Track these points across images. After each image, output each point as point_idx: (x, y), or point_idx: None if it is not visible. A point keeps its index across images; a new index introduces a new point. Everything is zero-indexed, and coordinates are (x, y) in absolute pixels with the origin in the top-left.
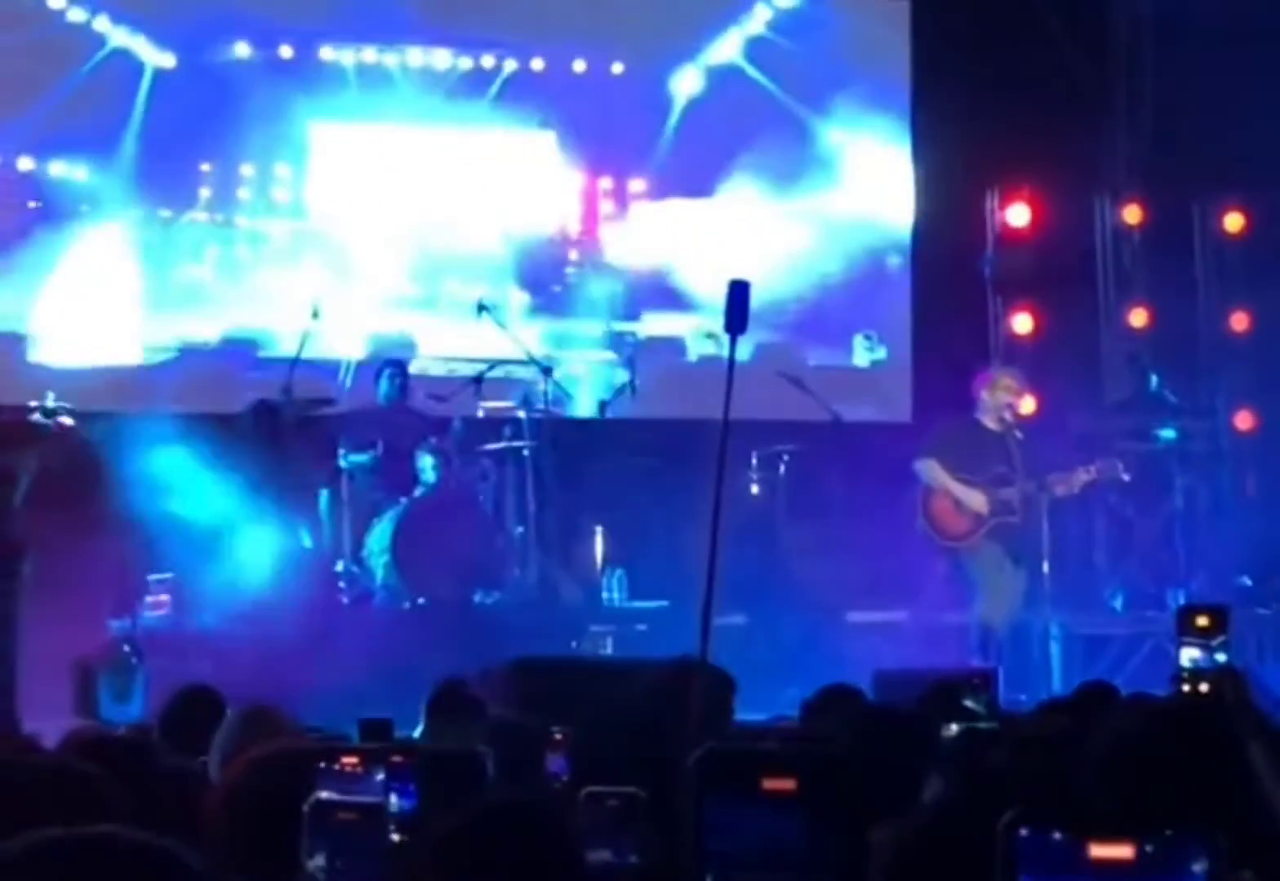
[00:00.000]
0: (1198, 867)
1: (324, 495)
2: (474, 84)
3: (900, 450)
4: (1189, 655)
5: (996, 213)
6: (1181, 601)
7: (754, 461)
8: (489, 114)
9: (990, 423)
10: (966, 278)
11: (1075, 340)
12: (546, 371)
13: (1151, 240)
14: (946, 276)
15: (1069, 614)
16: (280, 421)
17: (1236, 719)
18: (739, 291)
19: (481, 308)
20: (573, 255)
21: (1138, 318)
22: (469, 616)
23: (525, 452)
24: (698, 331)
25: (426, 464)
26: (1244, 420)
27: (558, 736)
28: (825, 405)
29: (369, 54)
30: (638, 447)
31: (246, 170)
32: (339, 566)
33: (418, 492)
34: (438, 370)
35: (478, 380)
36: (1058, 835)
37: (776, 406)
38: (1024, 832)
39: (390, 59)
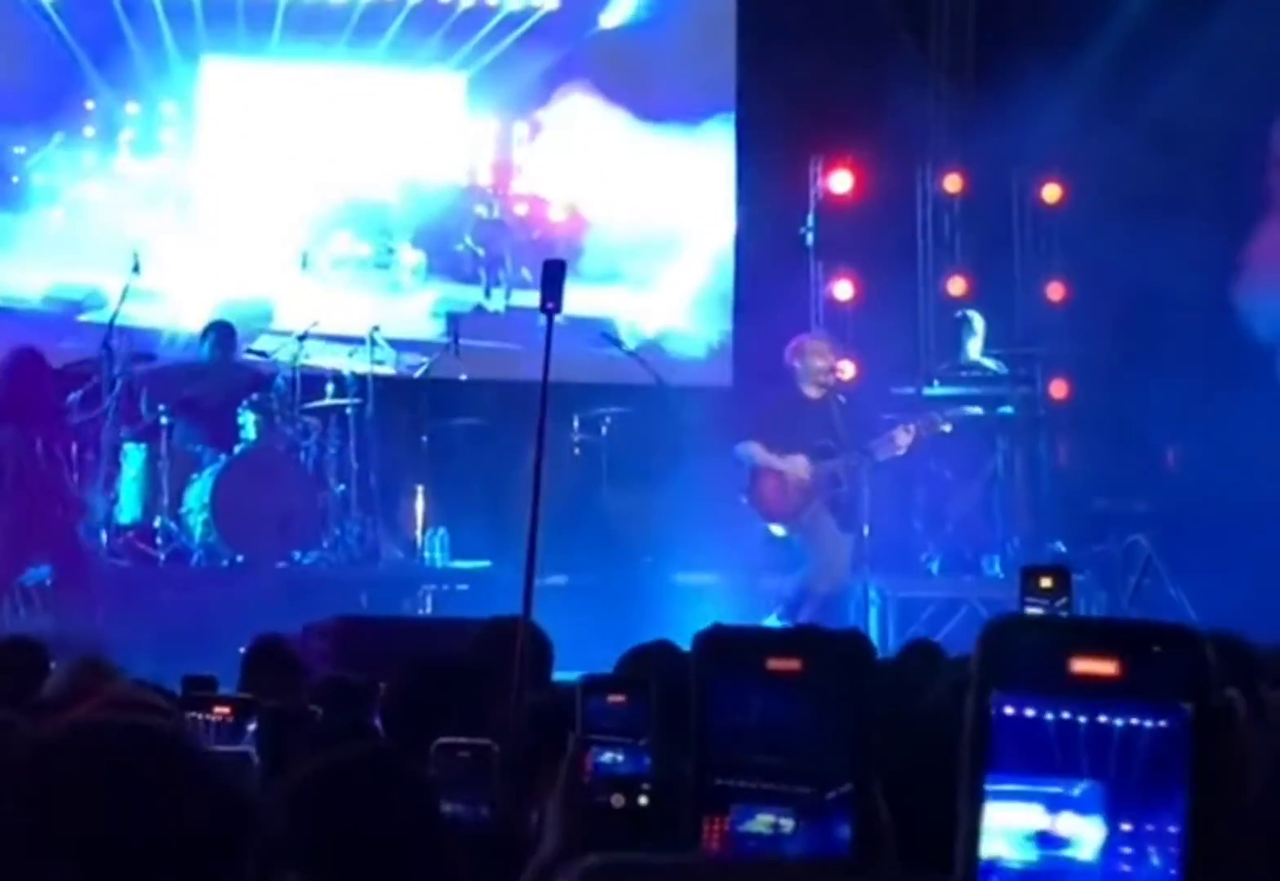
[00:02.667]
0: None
1: (142, 451)
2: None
3: (720, 413)
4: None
5: (819, 179)
6: (997, 567)
7: (576, 424)
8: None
9: (810, 391)
10: (789, 244)
11: (895, 307)
12: (372, 330)
13: (971, 209)
14: (769, 242)
15: (886, 577)
16: None
17: None
18: (554, 270)
19: (305, 262)
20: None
21: (956, 286)
22: (289, 575)
23: (348, 411)
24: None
25: (248, 420)
26: (1059, 389)
27: (384, 693)
28: (648, 368)
29: None
30: (461, 408)
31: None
32: (156, 523)
33: (238, 449)
34: (285, 355)
35: (302, 337)
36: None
37: (599, 369)
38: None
39: None
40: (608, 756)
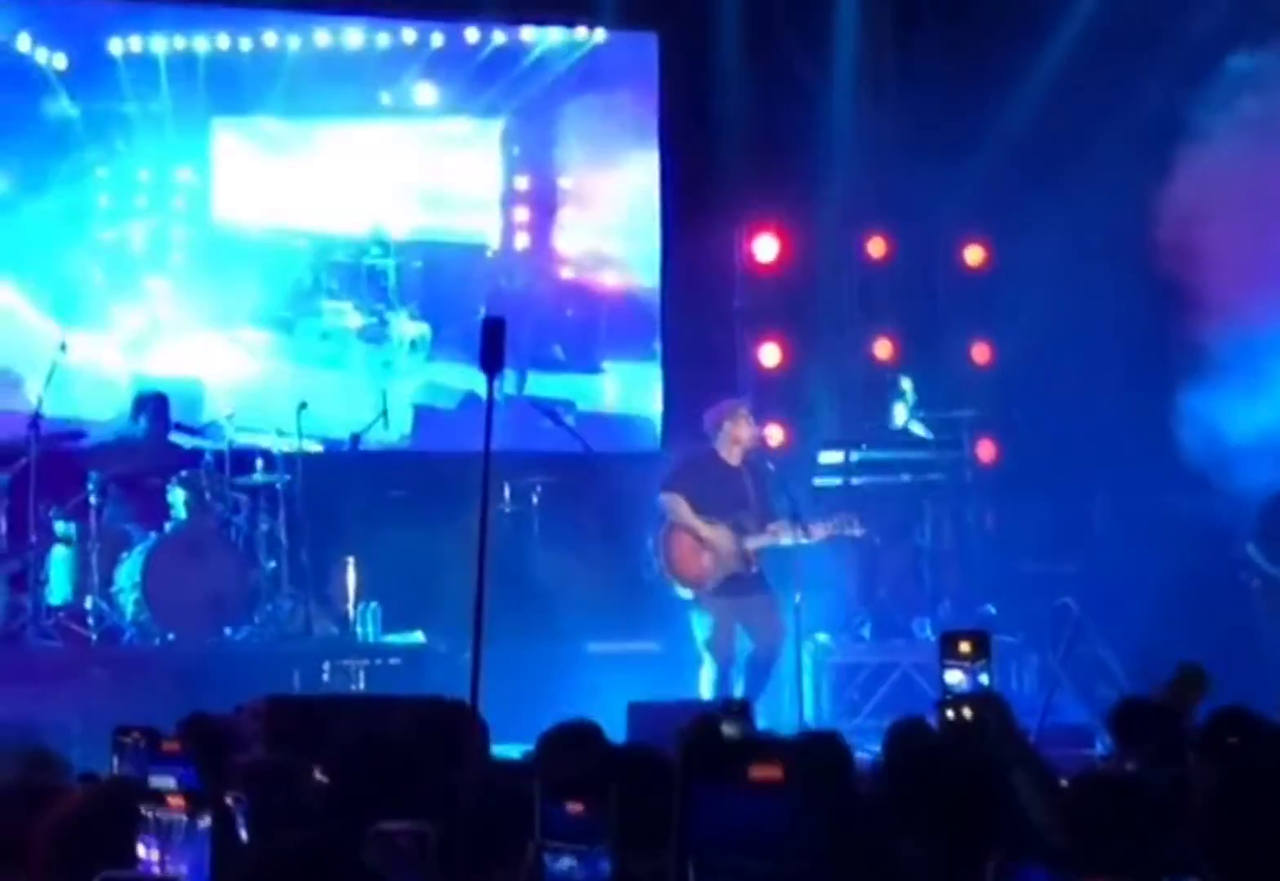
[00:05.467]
0: None
1: (72, 529)
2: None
3: (651, 480)
4: (952, 680)
5: (744, 245)
6: (928, 630)
7: (507, 493)
8: (415, 100)
9: (729, 454)
10: (715, 310)
11: (822, 372)
12: (300, 404)
13: (896, 273)
14: (696, 309)
15: (819, 643)
16: None
17: (1000, 743)
18: (493, 329)
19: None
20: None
21: (883, 349)
22: (220, 652)
23: (278, 486)
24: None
25: (178, 498)
26: (986, 451)
27: (319, 775)
28: (577, 436)
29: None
30: (390, 480)
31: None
32: (87, 602)
33: (168, 527)
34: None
35: (231, 413)
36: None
37: (529, 437)
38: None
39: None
40: (564, 863)
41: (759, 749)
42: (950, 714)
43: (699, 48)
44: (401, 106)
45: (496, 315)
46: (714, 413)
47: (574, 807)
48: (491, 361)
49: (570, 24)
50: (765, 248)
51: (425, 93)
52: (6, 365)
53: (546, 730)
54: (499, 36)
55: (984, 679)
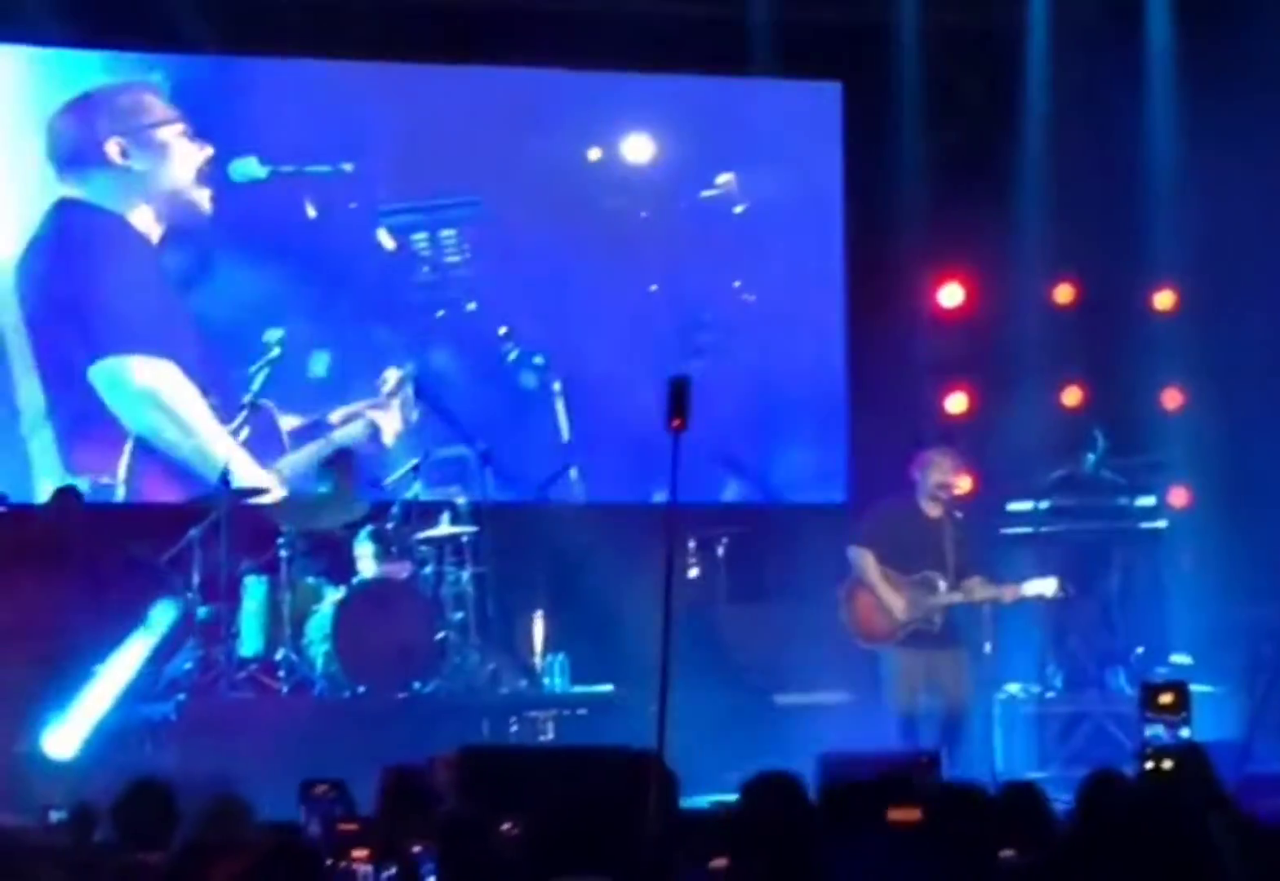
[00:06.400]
0: None
1: (263, 583)
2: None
3: (837, 531)
4: (1153, 732)
5: (930, 293)
6: (1121, 680)
7: (692, 545)
8: (628, 152)
9: (928, 506)
10: (901, 358)
11: (1010, 420)
12: (485, 456)
13: (1084, 319)
14: (881, 357)
15: (1010, 693)
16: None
17: (1199, 792)
18: (679, 389)
19: (418, 394)
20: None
21: (1071, 396)
22: (410, 705)
23: (464, 539)
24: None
25: (366, 552)
26: (1179, 497)
27: (507, 827)
28: (763, 487)
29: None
30: (576, 531)
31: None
32: (278, 655)
33: (357, 580)
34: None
35: (416, 466)
36: None
37: (714, 488)
38: None
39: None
40: None
41: (897, 791)
42: (1150, 765)
43: (883, 96)
44: (614, 158)
45: (682, 374)
46: (913, 463)
47: (716, 864)
48: (678, 419)
49: (760, 74)
50: (951, 295)
51: (639, 145)
52: (203, 445)
53: (748, 780)
54: (704, 86)
55: (1185, 732)
